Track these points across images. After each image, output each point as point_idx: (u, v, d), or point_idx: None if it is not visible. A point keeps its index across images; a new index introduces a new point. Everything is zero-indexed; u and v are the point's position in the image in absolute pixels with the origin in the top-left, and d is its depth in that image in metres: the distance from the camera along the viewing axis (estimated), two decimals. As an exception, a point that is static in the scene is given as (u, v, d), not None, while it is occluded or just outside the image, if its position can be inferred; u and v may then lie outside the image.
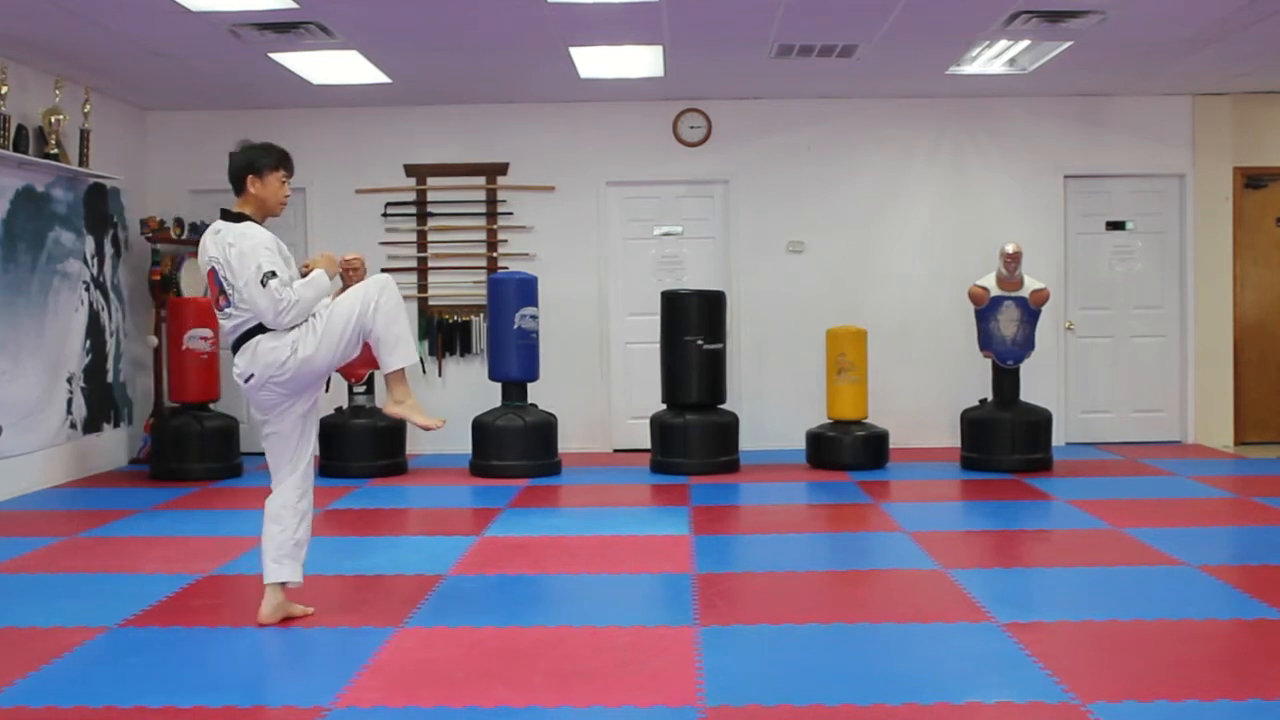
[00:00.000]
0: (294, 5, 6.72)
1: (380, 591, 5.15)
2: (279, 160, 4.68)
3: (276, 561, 4.70)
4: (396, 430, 8.57)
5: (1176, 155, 9.80)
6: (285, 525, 4.71)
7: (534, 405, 8.71)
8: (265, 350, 4.55)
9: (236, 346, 4.62)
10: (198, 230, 9.22)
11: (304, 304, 4.59)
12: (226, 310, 4.60)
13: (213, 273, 4.60)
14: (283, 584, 4.74)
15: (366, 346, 4.72)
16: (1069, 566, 5.67)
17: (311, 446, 4.82)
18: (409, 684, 3.97)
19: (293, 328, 4.55)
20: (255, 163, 4.63)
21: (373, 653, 4.30)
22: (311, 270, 4.68)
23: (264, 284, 4.47)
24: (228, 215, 4.66)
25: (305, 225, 9.70)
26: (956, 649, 4.33)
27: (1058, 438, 9.41)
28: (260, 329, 4.56)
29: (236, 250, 4.51)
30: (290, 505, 4.73)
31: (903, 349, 9.65)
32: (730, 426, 8.64)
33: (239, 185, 4.65)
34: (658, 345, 8.80)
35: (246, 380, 4.61)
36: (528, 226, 9.77)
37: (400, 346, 4.62)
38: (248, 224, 4.61)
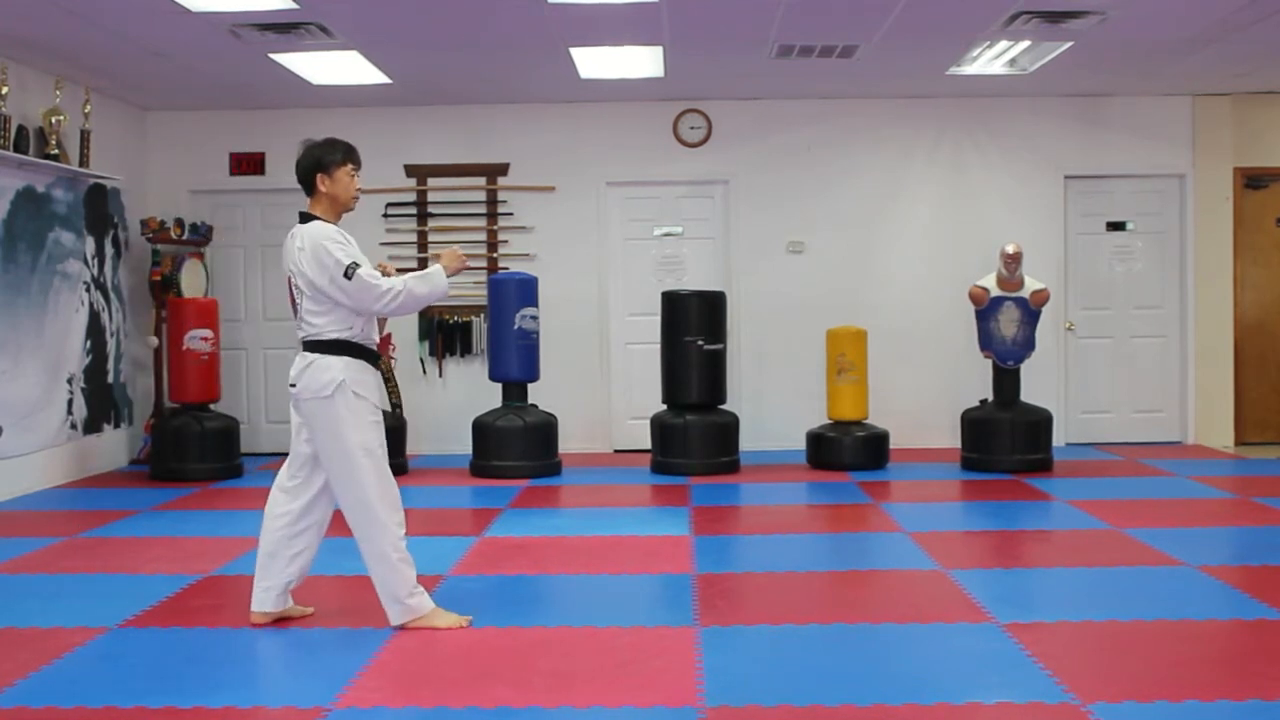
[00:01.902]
0: (294, 5, 6.72)
1: (380, 592, 5.14)
2: (345, 154, 4.60)
3: (265, 591, 4.66)
4: (397, 430, 8.57)
5: (1176, 155, 9.80)
6: (278, 557, 4.62)
7: (534, 405, 8.70)
8: (317, 370, 4.45)
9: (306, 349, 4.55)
10: (198, 230, 9.24)
11: (409, 296, 4.50)
12: (297, 321, 4.54)
13: (289, 280, 4.56)
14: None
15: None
16: (1069, 567, 5.67)
17: (326, 489, 4.64)
18: (409, 684, 3.97)
19: (347, 388, 4.43)
20: (322, 160, 4.56)
21: (373, 653, 4.30)
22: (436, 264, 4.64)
23: (349, 276, 4.39)
24: (302, 217, 4.60)
25: (305, 225, 9.70)
26: (957, 649, 4.33)
27: (1058, 438, 9.40)
28: (329, 347, 4.47)
29: (307, 253, 4.44)
30: (286, 540, 4.63)
31: (903, 349, 9.65)
32: (730, 427, 8.64)
33: (309, 185, 4.58)
34: (658, 345, 8.79)
35: (292, 386, 4.55)
36: (528, 227, 9.77)
37: (391, 603, 4.55)
38: (314, 223, 4.54)
